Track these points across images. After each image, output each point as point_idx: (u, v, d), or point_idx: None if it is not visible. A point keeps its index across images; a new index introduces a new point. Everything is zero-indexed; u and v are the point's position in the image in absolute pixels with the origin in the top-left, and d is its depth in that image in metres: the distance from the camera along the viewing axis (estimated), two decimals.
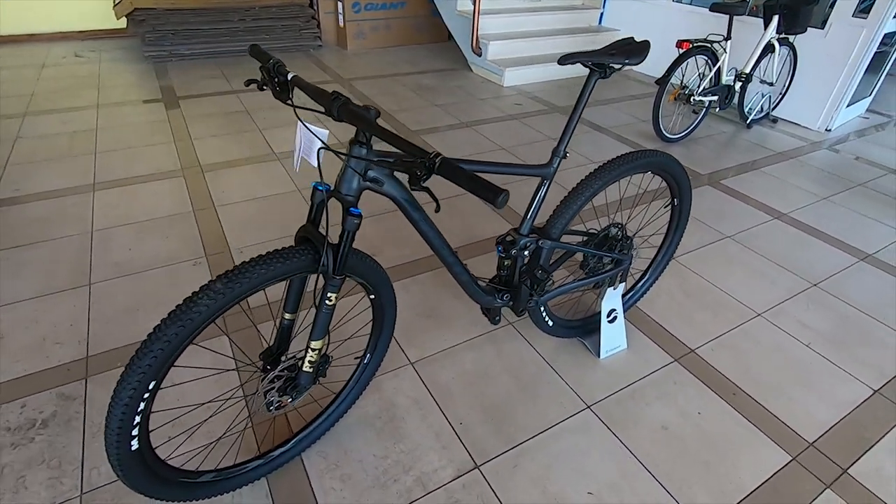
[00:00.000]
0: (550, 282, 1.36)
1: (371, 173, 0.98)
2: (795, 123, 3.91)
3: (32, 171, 2.62)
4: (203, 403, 1.46)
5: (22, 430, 1.37)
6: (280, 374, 1.10)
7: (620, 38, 1.32)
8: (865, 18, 3.39)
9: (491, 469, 1.35)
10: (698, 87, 3.29)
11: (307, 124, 0.99)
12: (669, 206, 1.69)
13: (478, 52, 4.49)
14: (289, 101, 0.98)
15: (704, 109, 3.44)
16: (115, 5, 4.61)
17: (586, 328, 1.76)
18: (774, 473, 1.39)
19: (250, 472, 1.23)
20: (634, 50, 1.18)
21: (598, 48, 1.24)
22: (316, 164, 1.02)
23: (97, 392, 1.49)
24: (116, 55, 4.59)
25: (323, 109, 0.88)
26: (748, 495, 1.33)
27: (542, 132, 3.46)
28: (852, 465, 1.42)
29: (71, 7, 4.88)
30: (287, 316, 1.12)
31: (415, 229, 1.15)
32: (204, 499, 1.16)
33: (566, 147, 1.27)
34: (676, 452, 1.43)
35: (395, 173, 1.03)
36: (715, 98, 3.39)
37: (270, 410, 1.13)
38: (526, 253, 1.35)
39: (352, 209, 0.97)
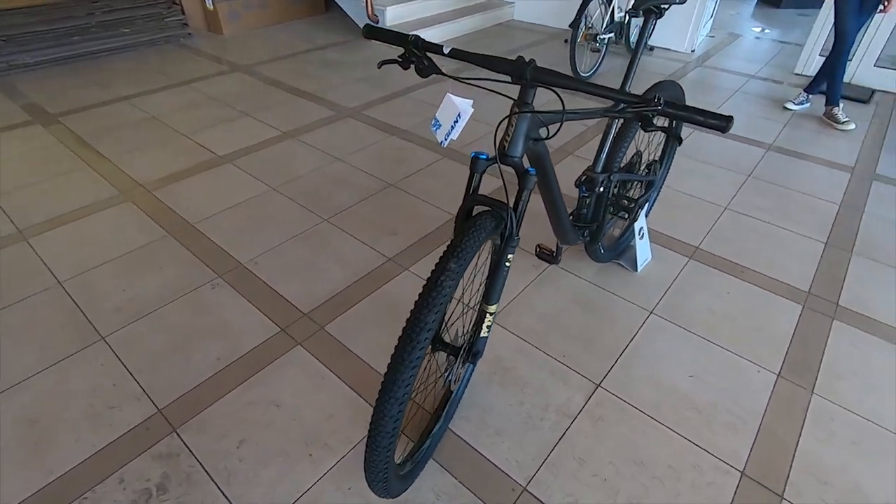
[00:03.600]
0: (638, 207, 1.54)
1: (534, 134, 1.03)
2: (667, 49, 4.51)
3: None
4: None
5: None
6: (463, 347, 1.13)
7: None
8: None
9: (610, 383, 1.53)
10: (602, 26, 3.64)
11: (455, 96, 1.00)
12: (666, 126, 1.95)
13: (375, 19, 4.38)
14: (443, 74, 0.97)
15: (605, 46, 3.82)
16: None
17: (618, 250, 1.99)
18: (798, 321, 1.76)
19: (426, 452, 1.25)
20: None
21: None
22: (456, 138, 1.03)
23: (199, 440, 1.35)
24: None
25: (509, 77, 0.90)
26: (789, 345, 1.68)
27: (482, 89, 3.57)
28: (839, 298, 1.85)
29: None
30: None
31: (539, 183, 1.22)
32: (409, 487, 1.17)
33: (629, 87, 1.41)
34: (730, 327, 1.73)
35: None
36: (612, 35, 3.78)
37: (450, 384, 1.16)
38: (602, 189, 1.49)
39: (528, 169, 1.01)
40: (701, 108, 0.81)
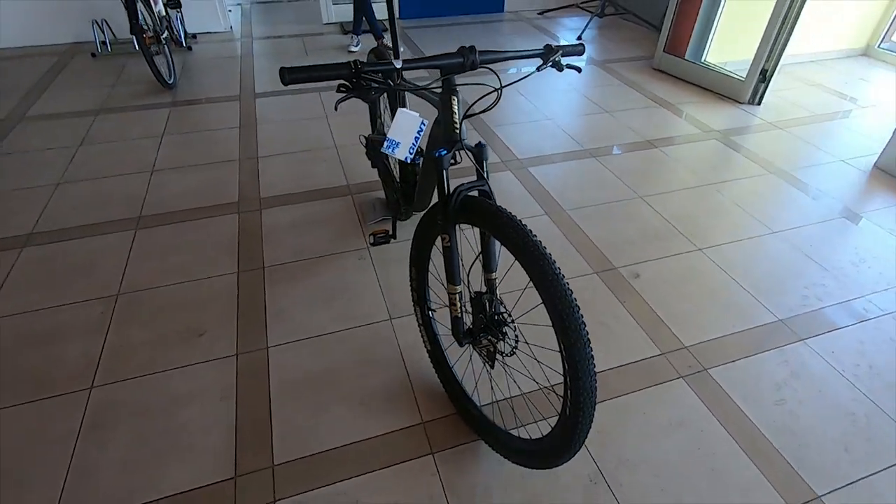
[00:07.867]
0: None
1: None
2: (210, 32, 4.36)
3: None
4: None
5: None
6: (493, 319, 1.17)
7: None
8: None
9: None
10: (153, 26, 3.20)
11: (408, 111, 0.94)
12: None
13: None
14: (408, 89, 0.88)
15: (167, 46, 3.41)
16: None
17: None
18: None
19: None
20: None
21: None
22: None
23: None
24: None
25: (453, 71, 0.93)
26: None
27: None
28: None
29: None
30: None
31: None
32: None
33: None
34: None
35: None
36: (165, 33, 3.39)
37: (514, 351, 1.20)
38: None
39: (479, 143, 1.08)
40: (565, 43, 1.12)
